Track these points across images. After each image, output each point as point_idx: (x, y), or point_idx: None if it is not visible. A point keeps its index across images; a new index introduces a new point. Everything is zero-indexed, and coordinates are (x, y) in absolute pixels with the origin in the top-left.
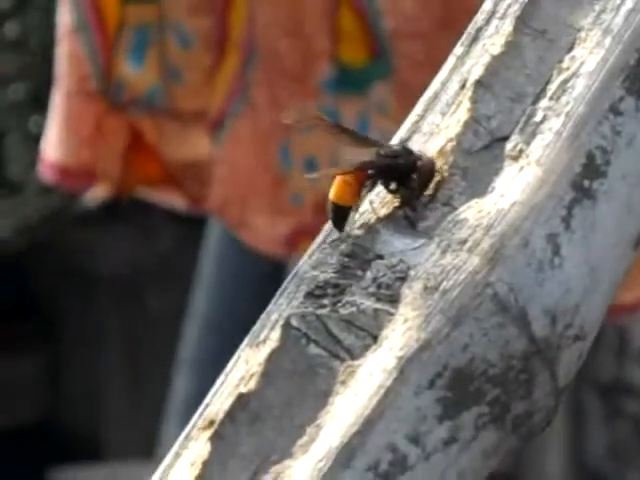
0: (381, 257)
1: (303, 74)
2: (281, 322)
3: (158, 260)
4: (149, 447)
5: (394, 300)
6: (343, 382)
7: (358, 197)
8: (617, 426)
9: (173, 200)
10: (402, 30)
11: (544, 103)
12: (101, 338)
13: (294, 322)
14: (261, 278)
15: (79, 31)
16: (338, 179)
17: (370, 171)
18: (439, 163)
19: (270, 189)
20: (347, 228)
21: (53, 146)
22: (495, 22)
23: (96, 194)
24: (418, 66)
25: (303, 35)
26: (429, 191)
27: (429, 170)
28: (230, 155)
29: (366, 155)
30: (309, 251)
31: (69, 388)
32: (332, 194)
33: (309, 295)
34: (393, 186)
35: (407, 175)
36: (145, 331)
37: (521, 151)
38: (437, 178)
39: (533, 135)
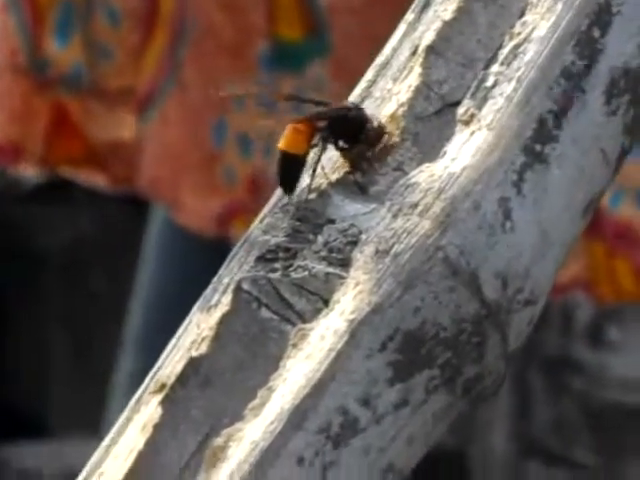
0: (332, 221)
1: (239, 50)
2: (232, 286)
3: (103, 238)
4: (94, 424)
5: (345, 264)
6: (295, 345)
7: (308, 146)
8: (562, 402)
9: (96, 180)
10: (338, 5)
11: (495, 68)
12: (45, 316)
13: (245, 286)
14: (204, 257)
15: (9, 5)
16: (289, 127)
17: (321, 123)
18: (391, 128)
19: (202, 167)
20: (298, 192)
21: None
22: None
23: (30, 174)
24: (354, 42)
25: (238, 9)
26: (380, 155)
27: (379, 128)
28: (159, 134)
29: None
30: (260, 215)
31: (13, 365)
32: (282, 142)
33: (260, 259)
34: (342, 143)
35: (357, 132)
36: (89, 308)
37: (472, 116)
38: (389, 142)
39: (484, 100)
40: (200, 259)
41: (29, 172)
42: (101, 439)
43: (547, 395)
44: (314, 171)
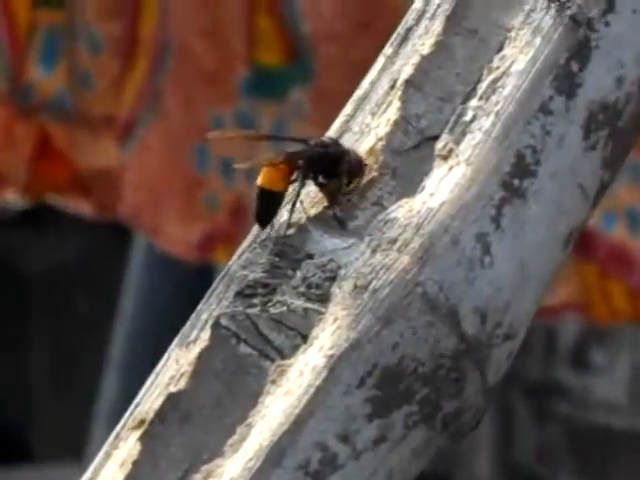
0: (311, 256)
1: (219, 77)
2: (211, 322)
3: (87, 263)
4: (78, 448)
5: (324, 299)
6: (274, 381)
7: (286, 183)
8: (546, 426)
9: (81, 207)
10: (321, 32)
11: (474, 102)
12: (29, 340)
13: (224, 321)
14: (187, 283)
15: None
16: (267, 164)
17: (300, 161)
18: (369, 162)
19: (183, 194)
20: (276, 227)
21: None
22: (425, 22)
23: (15, 201)
24: (336, 69)
25: (219, 36)
26: (359, 190)
27: (357, 162)
28: (141, 162)
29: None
30: (239, 250)
31: None
32: (260, 179)
33: (239, 294)
34: (321, 179)
35: (335, 168)
36: (74, 332)
37: (451, 150)
38: (367, 177)
39: (463, 134)
40: (181, 287)
41: (13, 198)
42: (84, 465)
43: (531, 420)
44: (293, 207)
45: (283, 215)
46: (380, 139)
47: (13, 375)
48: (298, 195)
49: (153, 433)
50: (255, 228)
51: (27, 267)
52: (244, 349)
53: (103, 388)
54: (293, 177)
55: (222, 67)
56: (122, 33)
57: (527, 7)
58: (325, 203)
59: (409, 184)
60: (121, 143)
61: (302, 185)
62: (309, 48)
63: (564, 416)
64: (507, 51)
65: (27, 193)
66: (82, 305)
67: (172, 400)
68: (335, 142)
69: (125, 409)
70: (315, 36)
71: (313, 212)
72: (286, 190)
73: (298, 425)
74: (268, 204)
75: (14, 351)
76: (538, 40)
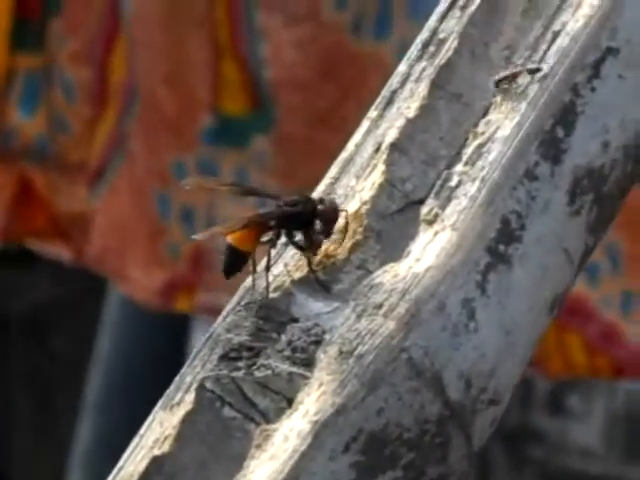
0: (296, 320)
1: (182, 124)
2: (195, 385)
3: (64, 302)
4: None
5: (309, 364)
6: (259, 446)
7: (256, 243)
8: (522, 471)
9: (59, 252)
10: (284, 80)
11: (459, 167)
12: (7, 380)
13: (208, 385)
14: (165, 323)
15: None
16: (238, 223)
17: (271, 222)
18: (354, 225)
19: (147, 240)
20: (260, 290)
21: None
22: (410, 85)
23: None
24: (298, 117)
25: (184, 84)
26: (342, 252)
27: (331, 211)
28: (108, 206)
29: (248, 208)
30: (223, 313)
31: None
32: (231, 236)
33: (223, 358)
34: (298, 237)
35: (309, 223)
36: (52, 374)
37: (436, 216)
38: (352, 240)
39: (448, 200)
40: (156, 330)
41: None
42: None
43: (507, 465)
44: (267, 269)
45: (262, 278)
46: (365, 202)
47: None
48: (269, 259)
49: None
50: (239, 291)
51: (5, 308)
52: (229, 412)
53: (79, 432)
54: (265, 238)
55: (185, 114)
56: (93, 77)
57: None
58: (311, 266)
59: (394, 248)
60: (91, 188)
61: (273, 246)
62: (272, 96)
63: (540, 461)
64: (492, 116)
65: (6, 237)
66: (59, 344)
67: (156, 463)
68: (306, 198)
69: (100, 452)
70: (278, 83)
71: (297, 275)
72: (254, 250)
73: None
74: (235, 262)
75: None
76: (523, 105)
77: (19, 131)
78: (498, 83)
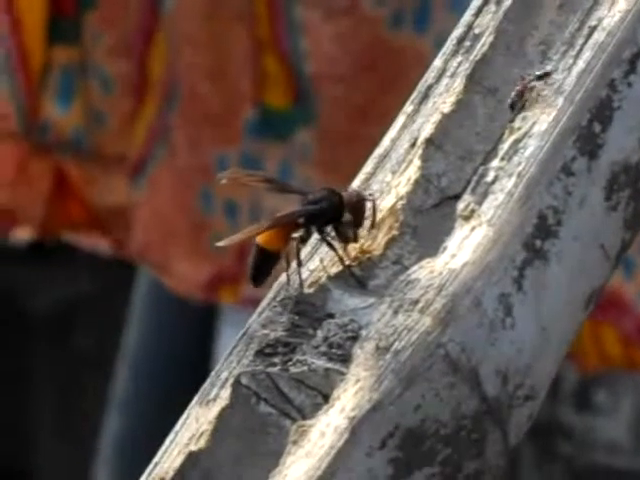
0: (332, 316)
1: (225, 118)
2: (231, 380)
3: (89, 300)
4: None
5: (345, 360)
6: (295, 442)
7: (286, 243)
8: (549, 467)
9: (98, 244)
10: (324, 73)
11: (495, 163)
12: (32, 378)
13: (244, 380)
14: (191, 321)
15: (0, 72)
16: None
17: (300, 219)
18: (390, 221)
19: (190, 233)
20: (296, 286)
21: None
22: (445, 80)
23: (21, 235)
24: (340, 110)
25: (226, 78)
26: (378, 247)
27: (358, 201)
28: (150, 199)
29: (291, 201)
30: (259, 309)
31: None
32: (260, 237)
33: (259, 353)
34: (329, 229)
35: (338, 217)
36: (76, 370)
37: (473, 211)
38: (388, 235)
39: (485, 195)
40: (184, 327)
41: (18, 234)
42: None
43: (535, 460)
44: (299, 266)
45: (303, 273)
46: (401, 198)
47: (14, 414)
48: (298, 257)
49: None
50: (274, 287)
51: (30, 304)
52: (264, 408)
53: (105, 428)
54: (295, 235)
55: (228, 108)
56: (132, 71)
57: (549, 67)
58: (346, 261)
59: (430, 243)
60: (132, 181)
61: (303, 243)
62: (313, 89)
63: (567, 457)
64: (529, 111)
65: (43, 231)
66: (85, 343)
67: (192, 459)
68: (330, 192)
69: (127, 448)
70: (318, 77)
71: (333, 271)
72: (284, 250)
73: None
74: (265, 263)
75: (17, 389)
76: (560, 101)
77: (55, 125)
78: (512, 106)
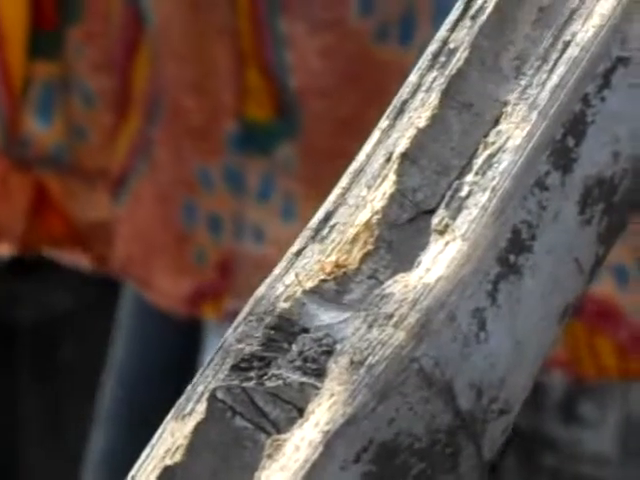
0: (307, 330)
1: (207, 131)
2: (207, 395)
3: (75, 312)
4: None
5: (320, 374)
6: (270, 456)
7: None
8: (536, 479)
9: (79, 260)
10: (309, 87)
11: (470, 177)
12: (17, 390)
13: (220, 395)
14: (177, 334)
15: None
16: None
17: None
18: (365, 236)
19: (173, 247)
20: (272, 300)
21: None
22: (421, 95)
23: (1, 251)
24: (323, 124)
25: (209, 92)
26: (354, 260)
27: None
28: (132, 214)
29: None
30: (235, 323)
31: None
32: None
33: (235, 368)
34: None
35: None
36: (61, 383)
37: (447, 226)
38: (363, 250)
39: (459, 210)
40: (170, 340)
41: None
42: None
43: (519, 472)
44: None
45: (278, 288)
46: (376, 212)
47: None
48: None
49: None
50: (250, 301)
51: (15, 317)
52: (240, 422)
53: (92, 441)
54: None
55: (210, 122)
56: (115, 86)
57: (523, 82)
58: (321, 276)
59: (405, 258)
60: (114, 196)
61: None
62: (296, 102)
63: (552, 469)
64: (503, 126)
65: (23, 246)
66: (70, 355)
67: (168, 473)
68: None
69: (114, 461)
70: (302, 90)
71: (309, 285)
72: None
73: None
74: None
75: (1, 402)
76: (534, 115)
77: (35, 140)
78: None
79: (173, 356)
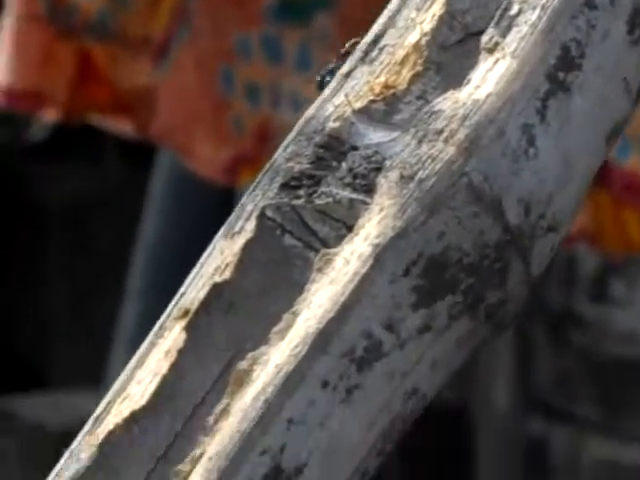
0: (356, 148)
1: (246, 0)
2: (256, 213)
3: (106, 193)
4: (94, 377)
5: (370, 190)
6: (319, 270)
7: None
8: (564, 357)
9: (122, 127)
10: None
11: None
12: (48, 268)
13: (269, 213)
14: (212, 204)
15: None
16: None
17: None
18: (414, 57)
19: (212, 115)
20: (321, 120)
21: (1, 70)
22: None
23: (46, 120)
24: None
25: None
26: (403, 81)
27: None
28: (174, 82)
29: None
30: (284, 143)
31: (14, 318)
32: None
33: (284, 186)
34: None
35: None
36: (91, 263)
37: (496, 44)
38: (412, 71)
39: (509, 28)
40: (202, 215)
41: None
42: (101, 391)
43: (549, 350)
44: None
45: (328, 108)
46: (425, 34)
47: (30, 305)
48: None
49: (198, 323)
50: (299, 121)
51: (45, 199)
52: (289, 240)
53: (123, 315)
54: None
55: None
56: None
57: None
58: (370, 97)
59: (453, 78)
60: (156, 63)
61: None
62: None
63: (582, 347)
64: None
65: (68, 113)
66: (99, 234)
67: (217, 290)
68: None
69: (146, 333)
70: None
71: (358, 105)
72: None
73: (344, 313)
74: None
75: (31, 282)
76: None
77: (80, 7)
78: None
79: (207, 226)
